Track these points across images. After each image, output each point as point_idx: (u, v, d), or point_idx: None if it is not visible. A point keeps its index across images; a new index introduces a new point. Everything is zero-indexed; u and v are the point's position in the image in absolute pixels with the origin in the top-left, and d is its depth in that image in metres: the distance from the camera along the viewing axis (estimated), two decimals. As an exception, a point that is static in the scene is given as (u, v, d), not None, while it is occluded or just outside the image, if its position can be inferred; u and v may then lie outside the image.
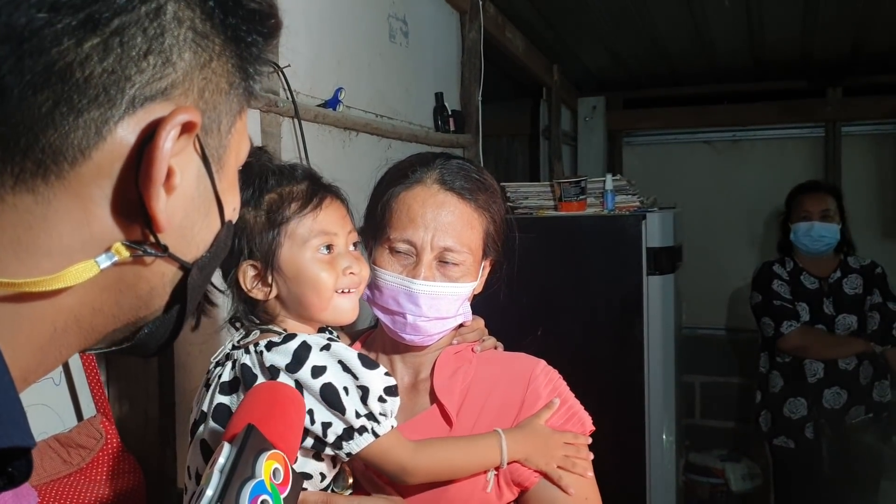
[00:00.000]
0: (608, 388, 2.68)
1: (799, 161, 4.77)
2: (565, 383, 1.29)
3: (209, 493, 0.65)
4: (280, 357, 1.01)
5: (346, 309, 1.10)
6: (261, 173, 1.07)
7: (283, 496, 0.71)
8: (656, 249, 2.74)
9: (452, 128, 2.99)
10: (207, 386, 1.08)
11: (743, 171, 4.91)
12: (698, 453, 4.42)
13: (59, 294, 0.48)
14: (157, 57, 0.47)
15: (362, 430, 1.02)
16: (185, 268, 0.55)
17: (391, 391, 1.04)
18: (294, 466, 0.74)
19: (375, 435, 1.03)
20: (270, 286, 1.06)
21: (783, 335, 3.21)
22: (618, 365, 2.78)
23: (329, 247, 1.08)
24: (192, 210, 0.53)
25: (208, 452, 1.02)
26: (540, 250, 2.74)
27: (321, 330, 1.15)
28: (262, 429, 0.72)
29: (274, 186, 1.07)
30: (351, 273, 1.09)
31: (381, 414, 1.03)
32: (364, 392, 1.02)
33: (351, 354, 1.03)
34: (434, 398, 1.24)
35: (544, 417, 1.21)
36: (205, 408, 1.05)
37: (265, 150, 1.14)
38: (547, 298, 2.83)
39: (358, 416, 1.01)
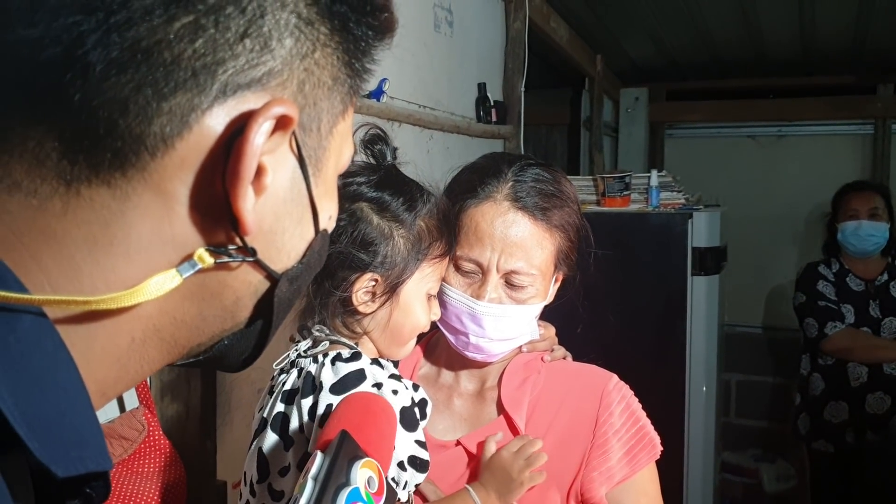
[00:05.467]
0: (648, 388, 2.60)
1: (846, 159, 4.65)
2: (637, 400, 1.24)
3: (303, 501, 0.63)
4: (332, 375, 0.98)
5: (411, 349, 1.12)
6: (423, 190, 1.06)
7: None
8: (702, 249, 2.69)
9: (494, 119, 2.95)
10: (271, 392, 1.05)
11: (787, 167, 4.79)
12: (732, 452, 4.36)
13: (138, 304, 0.44)
14: (255, 41, 0.43)
15: None
16: (272, 278, 0.50)
17: (417, 464, 0.98)
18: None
19: None
20: (378, 305, 1.04)
21: (827, 336, 3.14)
22: (659, 365, 2.74)
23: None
24: (283, 214, 0.48)
25: (264, 462, 0.99)
26: (581, 246, 2.69)
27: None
28: (355, 437, 0.70)
29: (422, 212, 1.05)
30: (433, 321, 1.11)
31: (393, 480, 0.96)
32: None
33: (396, 405, 0.96)
34: (501, 408, 1.19)
35: (490, 450, 1.14)
36: (266, 415, 1.03)
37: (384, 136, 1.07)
38: (586, 295, 2.78)
39: None
